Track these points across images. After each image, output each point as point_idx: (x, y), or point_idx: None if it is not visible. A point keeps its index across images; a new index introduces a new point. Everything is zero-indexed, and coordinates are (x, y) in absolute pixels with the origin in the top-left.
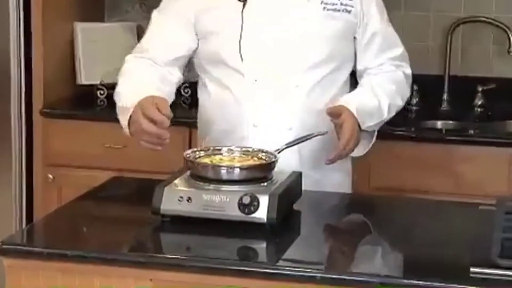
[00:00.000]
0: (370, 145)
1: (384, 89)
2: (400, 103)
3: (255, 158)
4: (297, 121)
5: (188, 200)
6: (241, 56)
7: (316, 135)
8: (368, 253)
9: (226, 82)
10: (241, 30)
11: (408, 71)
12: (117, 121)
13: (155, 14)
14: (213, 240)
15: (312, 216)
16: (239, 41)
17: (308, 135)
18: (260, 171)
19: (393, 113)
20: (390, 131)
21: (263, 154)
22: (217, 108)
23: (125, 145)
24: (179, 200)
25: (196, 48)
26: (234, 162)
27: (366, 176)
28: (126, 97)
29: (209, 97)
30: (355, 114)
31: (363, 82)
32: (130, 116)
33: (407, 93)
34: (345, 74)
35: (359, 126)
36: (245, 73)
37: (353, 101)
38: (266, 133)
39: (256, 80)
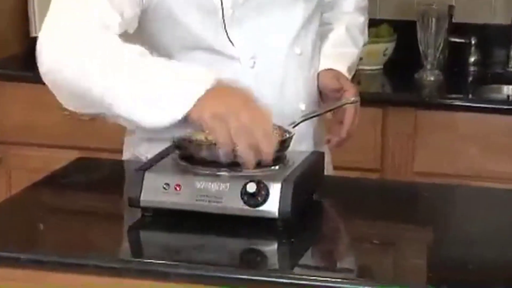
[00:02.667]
0: None
1: (357, 27)
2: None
3: None
4: (308, 96)
5: (176, 189)
6: (230, 41)
7: (345, 104)
8: (412, 257)
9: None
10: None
11: None
12: None
13: None
14: (209, 241)
15: (338, 209)
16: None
17: (332, 104)
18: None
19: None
20: (439, 99)
21: (276, 129)
22: None
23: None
24: (164, 189)
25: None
26: None
27: (408, 157)
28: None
29: None
30: (349, 77)
31: (330, 19)
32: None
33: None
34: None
35: None
36: (240, 58)
37: (343, 61)
38: (274, 115)
39: (254, 63)
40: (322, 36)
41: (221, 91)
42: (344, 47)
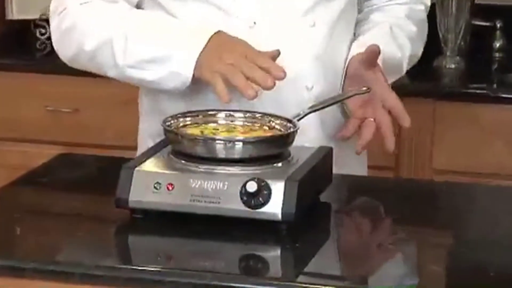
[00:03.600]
0: None
1: (405, 32)
2: (420, 52)
3: (266, 127)
4: (317, 76)
5: (168, 188)
6: None
7: (356, 94)
8: (429, 263)
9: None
10: None
11: (428, 1)
12: (65, 71)
13: None
14: (205, 246)
15: (348, 210)
16: None
17: (343, 94)
18: (273, 146)
19: (408, 67)
20: (461, 88)
21: (277, 121)
22: None
23: (77, 108)
24: (155, 188)
25: None
26: (236, 133)
27: (426, 154)
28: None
29: None
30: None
31: (375, 19)
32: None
33: (425, 36)
34: (355, 8)
35: None
36: (239, 15)
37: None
38: (276, 100)
39: (255, 23)
40: (361, 32)
41: (219, 45)
42: (383, 43)
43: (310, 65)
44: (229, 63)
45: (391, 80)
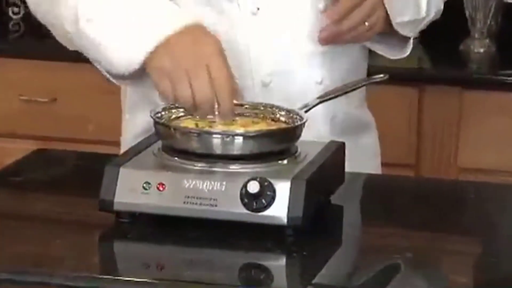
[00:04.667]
0: (403, 55)
1: None
2: (441, 3)
3: (269, 120)
4: (328, 68)
5: (159, 188)
6: None
7: (370, 82)
8: (454, 275)
9: (207, 14)
10: None
11: None
12: (41, 56)
13: None
14: (200, 254)
15: (362, 214)
16: None
17: (354, 82)
18: (278, 141)
19: (431, 16)
20: (491, 75)
21: (282, 113)
22: None
23: (54, 98)
24: (144, 189)
25: None
26: (235, 126)
27: (451, 149)
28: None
29: None
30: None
31: None
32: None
33: None
34: None
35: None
36: (240, 0)
37: None
38: (283, 92)
39: (258, 9)
40: None
41: (186, 38)
42: None
43: (319, 56)
44: (183, 68)
45: (407, 15)
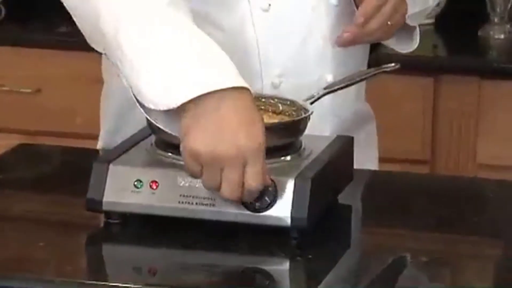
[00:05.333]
0: (412, 47)
1: None
2: None
3: (272, 113)
4: (338, 68)
5: (152, 187)
6: None
7: (381, 71)
8: (473, 280)
9: (215, 11)
10: None
11: None
12: (24, 43)
13: None
14: (197, 258)
15: (372, 215)
16: None
17: (363, 72)
18: (281, 135)
19: (436, 2)
20: (509, 64)
21: (286, 105)
22: None
23: (39, 88)
24: (135, 187)
25: None
26: None
27: (469, 144)
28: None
29: None
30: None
31: None
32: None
33: None
34: None
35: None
36: None
37: None
38: (293, 94)
39: (269, 5)
40: None
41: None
42: None
43: (330, 55)
44: (218, 153)
45: (416, 7)
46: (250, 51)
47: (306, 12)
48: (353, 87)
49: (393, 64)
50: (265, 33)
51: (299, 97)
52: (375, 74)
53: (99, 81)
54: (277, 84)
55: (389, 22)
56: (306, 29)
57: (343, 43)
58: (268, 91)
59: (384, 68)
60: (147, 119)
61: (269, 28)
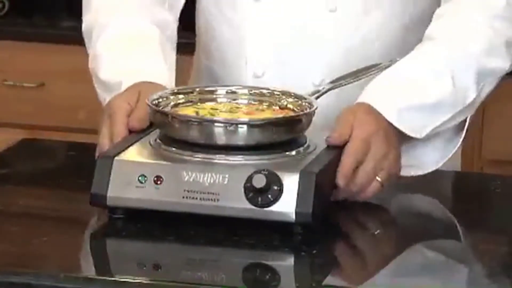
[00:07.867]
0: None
1: (467, 41)
2: (502, 64)
3: (276, 107)
4: (333, 66)
5: (156, 182)
6: None
7: (386, 67)
8: (481, 278)
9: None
10: None
11: None
12: (27, 37)
13: None
14: (201, 253)
15: (378, 210)
16: None
17: (370, 66)
18: (285, 130)
19: (492, 86)
20: None
21: (290, 99)
22: (204, 46)
23: (42, 82)
24: (139, 182)
25: None
26: (239, 113)
27: (475, 139)
28: (113, 72)
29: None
30: (395, 123)
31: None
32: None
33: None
34: None
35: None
36: None
37: (402, 96)
38: (276, 82)
39: None
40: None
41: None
42: (430, 77)
43: (322, 60)
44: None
45: (441, 117)
46: (238, 39)
47: (297, 10)
48: (359, 81)
49: (397, 59)
50: (254, 22)
51: (284, 89)
52: (379, 69)
53: None
54: (259, 75)
55: (378, 178)
56: (295, 24)
57: (335, 199)
58: (250, 81)
59: (389, 63)
60: (152, 115)
61: (258, 18)
